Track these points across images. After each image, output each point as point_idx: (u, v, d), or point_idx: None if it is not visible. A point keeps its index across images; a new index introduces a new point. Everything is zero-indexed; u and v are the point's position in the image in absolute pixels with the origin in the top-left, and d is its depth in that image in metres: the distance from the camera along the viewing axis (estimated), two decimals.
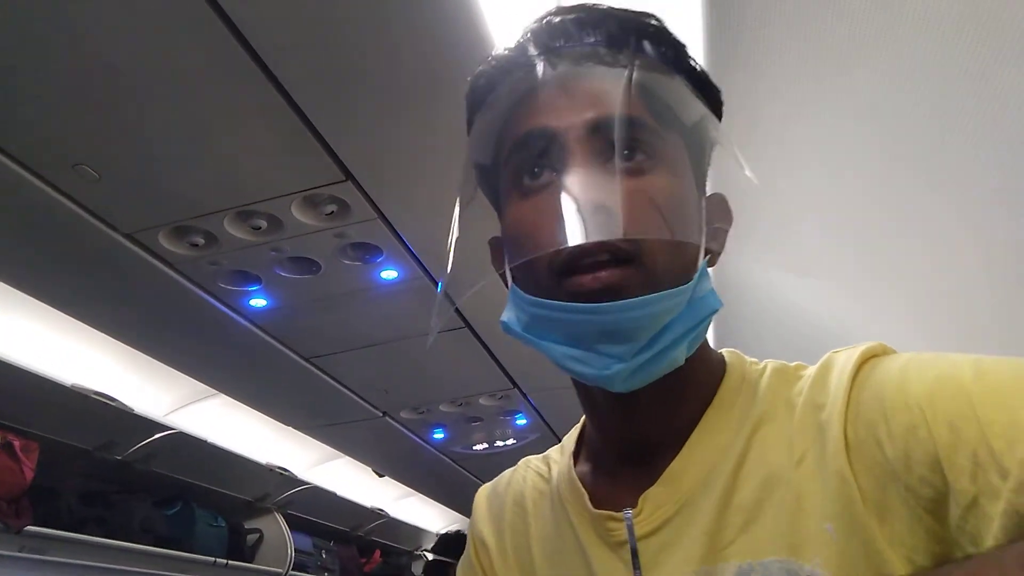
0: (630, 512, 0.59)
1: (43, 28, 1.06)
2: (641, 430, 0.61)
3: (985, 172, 1.11)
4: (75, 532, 2.92)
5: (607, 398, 0.58)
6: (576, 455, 0.69)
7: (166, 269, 1.60)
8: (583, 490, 0.64)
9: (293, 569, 3.83)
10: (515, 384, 2.22)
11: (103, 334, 2.70)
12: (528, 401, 2.32)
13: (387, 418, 2.35)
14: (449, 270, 0.63)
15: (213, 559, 3.48)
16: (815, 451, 0.54)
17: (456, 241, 0.63)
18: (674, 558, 0.56)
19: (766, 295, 1.53)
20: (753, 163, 0.58)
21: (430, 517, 5.03)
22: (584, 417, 0.70)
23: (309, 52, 1.16)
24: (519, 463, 0.77)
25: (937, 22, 0.79)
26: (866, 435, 0.51)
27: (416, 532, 4.64)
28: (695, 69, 0.62)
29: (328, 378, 2.10)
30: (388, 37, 1.14)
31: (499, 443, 2.54)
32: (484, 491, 0.78)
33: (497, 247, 0.66)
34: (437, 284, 1.78)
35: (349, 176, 1.43)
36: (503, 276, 0.63)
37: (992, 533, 0.44)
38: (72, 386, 2.72)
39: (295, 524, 3.95)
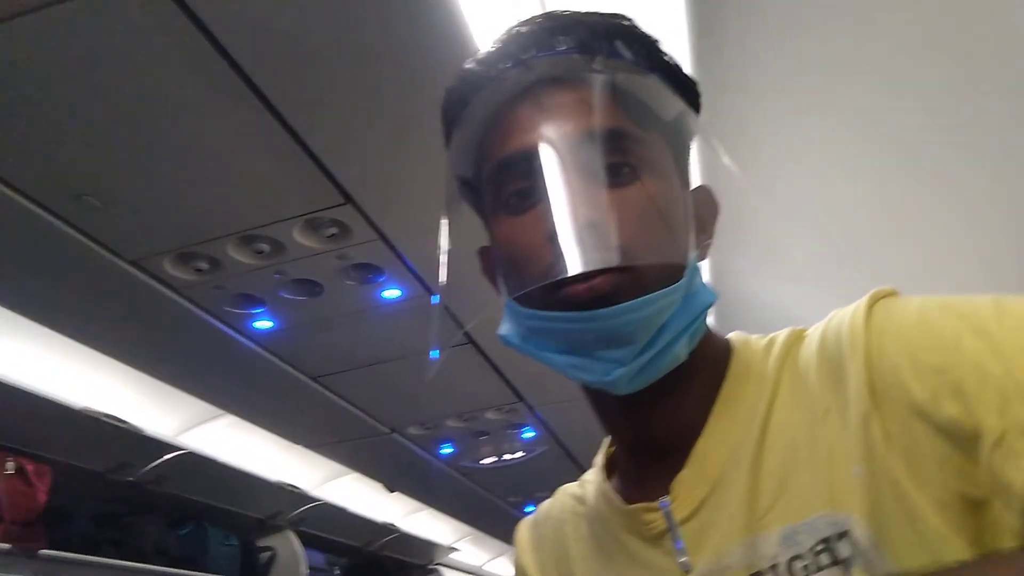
0: (665, 499, 0.58)
1: (47, 63, 1.09)
2: (654, 426, 0.61)
3: (978, 179, 1.12)
4: (89, 555, 2.94)
5: (615, 400, 0.58)
6: (609, 469, 0.69)
7: (171, 294, 1.63)
8: (615, 494, 0.64)
9: None
10: (521, 398, 2.23)
11: (110, 360, 2.73)
12: (535, 414, 2.32)
13: (395, 434, 2.36)
14: (445, 286, 0.63)
15: None
16: (837, 402, 0.53)
17: (449, 257, 0.63)
18: (716, 536, 0.56)
19: (759, 303, 1.53)
20: (743, 169, 0.58)
21: (442, 531, 5.01)
22: None
23: (305, 80, 1.19)
24: (556, 491, 0.76)
25: (916, 44, 0.80)
26: (891, 378, 0.50)
27: (428, 546, 4.63)
28: (669, 64, 0.61)
29: (335, 396, 2.11)
30: (382, 64, 1.16)
31: (507, 456, 2.54)
32: (525, 524, 0.77)
33: (487, 257, 0.66)
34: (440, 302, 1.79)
35: (349, 199, 1.45)
36: (495, 286, 0.63)
37: (1021, 467, 0.43)
38: (83, 409, 2.74)
39: (307, 541, 3.95)
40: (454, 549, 4.98)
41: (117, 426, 2.90)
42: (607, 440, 0.71)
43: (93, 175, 1.30)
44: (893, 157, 1.12)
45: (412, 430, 2.34)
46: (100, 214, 1.38)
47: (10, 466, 2.74)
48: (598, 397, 0.62)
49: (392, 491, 3.13)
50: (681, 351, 0.57)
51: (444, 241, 0.63)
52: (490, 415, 2.31)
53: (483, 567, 5.95)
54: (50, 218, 1.38)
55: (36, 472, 2.79)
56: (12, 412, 2.58)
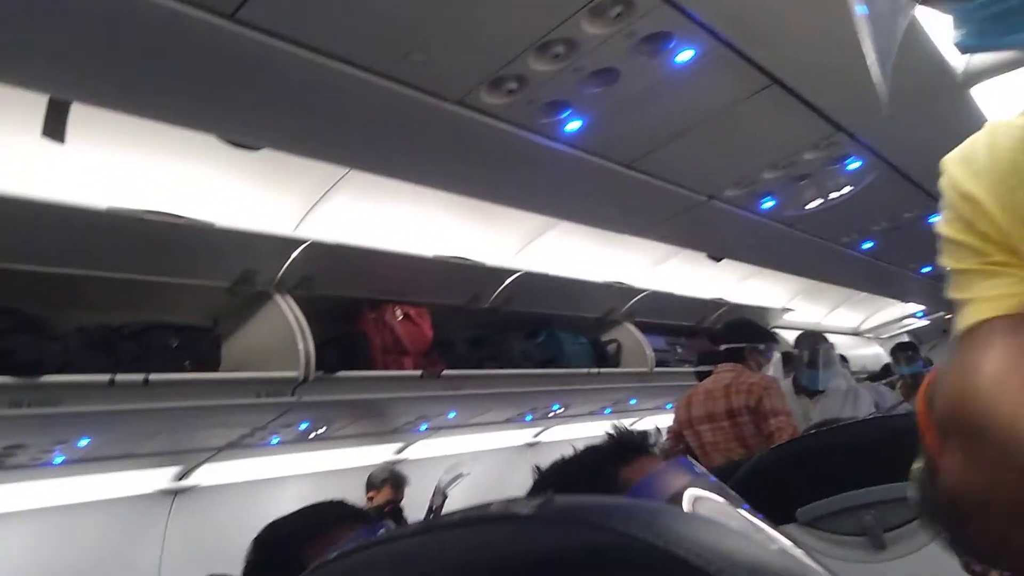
0: None
1: None
2: None
3: None
4: (475, 369, 3.54)
5: None
6: None
7: (492, 121, 1.79)
8: None
9: (656, 367, 4.22)
10: (839, 127, 2.11)
11: (444, 207, 3.12)
12: (857, 141, 2.19)
13: (713, 200, 2.40)
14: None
15: (586, 370, 3.98)
16: None
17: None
18: None
19: None
20: None
21: (773, 294, 5.06)
22: None
23: None
24: (987, 125, 0.75)
25: None
26: None
27: (761, 312, 4.74)
28: None
29: (649, 178, 2.19)
30: None
31: (833, 194, 2.46)
32: (955, 159, 0.76)
33: None
34: (735, 50, 1.74)
35: None
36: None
37: None
38: (434, 257, 3.22)
39: (645, 328, 4.30)
40: (788, 309, 5.02)
41: (463, 264, 3.37)
42: None
43: (412, 32, 1.45)
44: None
45: (729, 192, 2.36)
46: (423, 67, 1.55)
47: (399, 313, 3.36)
48: None
49: (718, 260, 3.24)
50: None
51: None
52: (808, 155, 2.23)
53: (821, 322, 5.94)
54: (383, 81, 1.58)
55: (418, 314, 3.39)
56: (391, 272, 3.13)
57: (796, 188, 2.40)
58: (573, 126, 1.90)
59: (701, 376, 3.31)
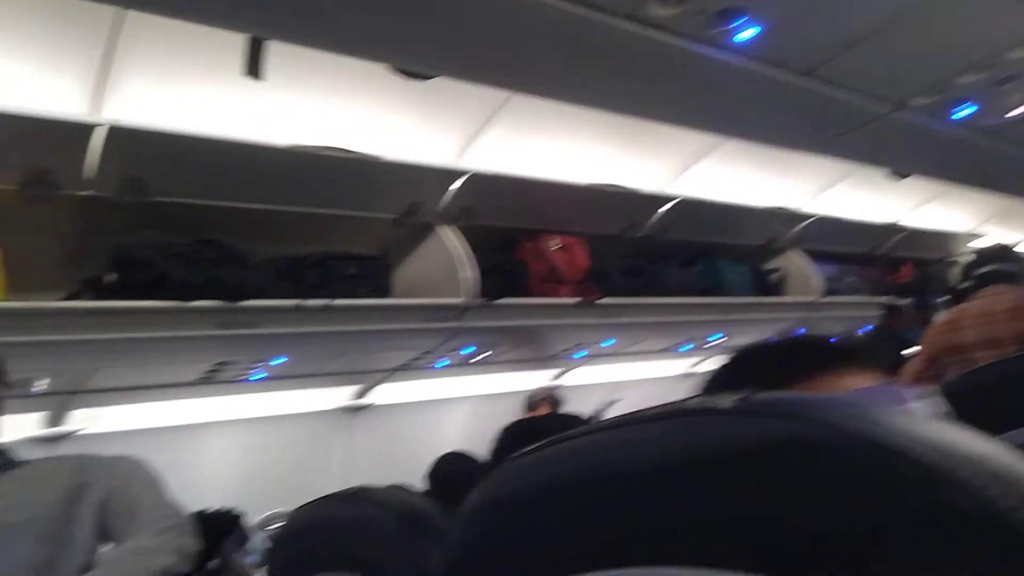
0: None
1: None
2: None
3: None
4: (631, 298, 3.52)
5: None
6: None
7: (661, 35, 1.72)
8: None
9: (825, 295, 4.00)
10: None
11: (598, 136, 3.08)
12: None
13: (899, 111, 2.20)
14: None
15: (748, 299, 3.85)
16: None
17: None
18: None
19: None
20: None
21: (957, 219, 4.62)
22: None
23: None
24: None
25: None
26: None
27: (943, 238, 4.36)
28: None
29: (829, 87, 2.03)
30: None
31: None
32: None
33: None
34: None
35: None
36: None
37: None
38: (589, 185, 3.20)
39: (812, 256, 4.08)
40: (977, 235, 4.56)
41: (618, 192, 3.33)
42: None
43: None
44: None
45: (918, 100, 2.15)
46: None
47: (555, 243, 3.39)
48: None
49: (902, 177, 2.98)
50: None
51: None
52: (1014, 54, 1.97)
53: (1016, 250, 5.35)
54: None
55: (574, 244, 3.41)
56: (547, 201, 3.15)
57: (998, 92, 2.14)
58: (747, 34, 1.80)
59: (891, 309, 3.05)
